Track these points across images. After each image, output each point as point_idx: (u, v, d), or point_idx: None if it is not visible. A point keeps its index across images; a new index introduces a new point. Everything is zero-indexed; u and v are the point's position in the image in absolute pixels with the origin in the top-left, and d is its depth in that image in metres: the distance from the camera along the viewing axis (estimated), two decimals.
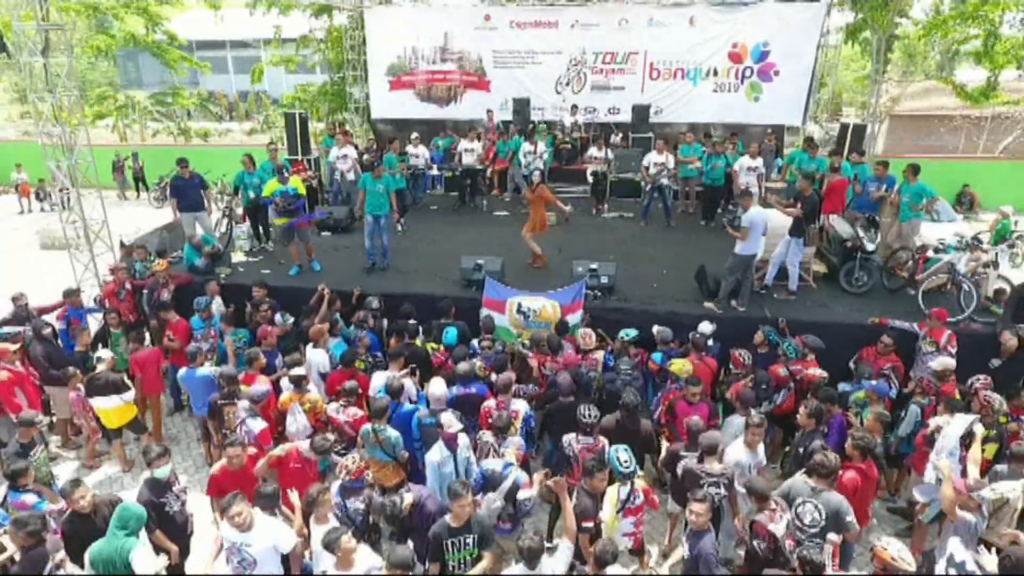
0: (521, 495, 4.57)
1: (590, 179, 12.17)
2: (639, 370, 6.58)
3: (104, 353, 6.57)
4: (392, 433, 5.24)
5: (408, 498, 4.46)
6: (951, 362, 6.11)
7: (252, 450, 5.12)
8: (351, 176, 11.49)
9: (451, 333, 6.72)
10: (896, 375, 6.52)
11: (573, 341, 6.72)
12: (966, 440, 5.08)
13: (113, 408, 6.34)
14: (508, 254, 8.73)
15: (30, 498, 4.69)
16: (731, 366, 6.50)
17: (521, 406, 5.53)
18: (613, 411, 5.42)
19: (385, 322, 7.52)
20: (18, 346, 6.56)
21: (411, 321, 6.92)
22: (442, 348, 6.70)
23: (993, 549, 4.27)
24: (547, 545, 4.44)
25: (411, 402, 5.79)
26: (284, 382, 6.05)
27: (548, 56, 14.90)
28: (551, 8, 14.66)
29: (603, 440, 5.01)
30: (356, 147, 12.65)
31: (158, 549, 4.67)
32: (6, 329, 7.07)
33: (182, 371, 6.56)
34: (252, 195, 9.22)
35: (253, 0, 16.40)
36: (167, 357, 7.38)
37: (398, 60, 15.66)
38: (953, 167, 18.90)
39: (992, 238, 11.93)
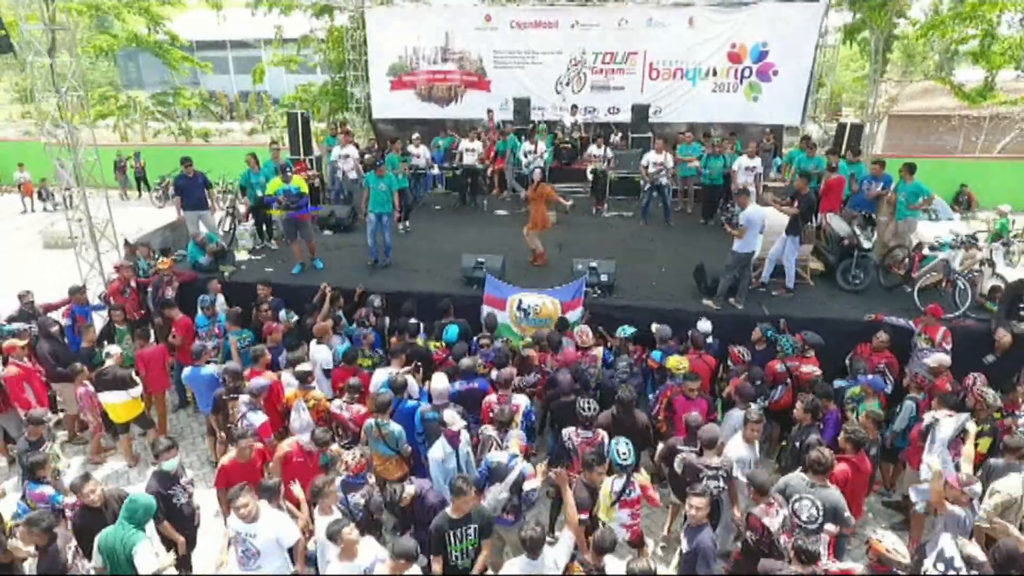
0: (527, 486, 4.66)
1: (590, 178, 12.26)
2: (638, 367, 6.68)
3: (113, 348, 6.66)
4: (395, 427, 5.33)
5: (410, 489, 4.55)
6: (946, 358, 6.20)
7: (259, 444, 5.21)
8: (353, 175, 11.59)
9: (452, 331, 6.81)
10: (891, 371, 6.61)
11: (574, 337, 6.82)
12: (960, 435, 5.16)
13: (121, 403, 6.42)
14: (509, 252, 8.81)
15: (48, 490, 4.76)
16: (730, 362, 6.59)
17: (522, 401, 5.62)
18: (611, 407, 5.50)
19: (387, 320, 7.61)
20: (25, 342, 6.64)
21: (412, 320, 7.02)
22: (443, 346, 6.79)
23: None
24: (548, 539, 4.52)
25: (412, 399, 5.87)
26: (285, 377, 6.14)
27: (548, 56, 15.00)
28: (551, 8, 14.75)
29: (602, 433, 5.10)
30: (357, 146, 12.74)
31: (166, 540, 4.79)
32: (13, 326, 7.16)
33: (187, 370, 6.62)
34: (259, 194, 9.32)
35: (254, 0, 16.46)
36: (172, 354, 7.47)
37: (399, 60, 15.75)
38: (951, 167, 19.00)
39: (989, 237, 12.04)
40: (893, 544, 3.89)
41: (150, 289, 8.20)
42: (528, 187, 9.23)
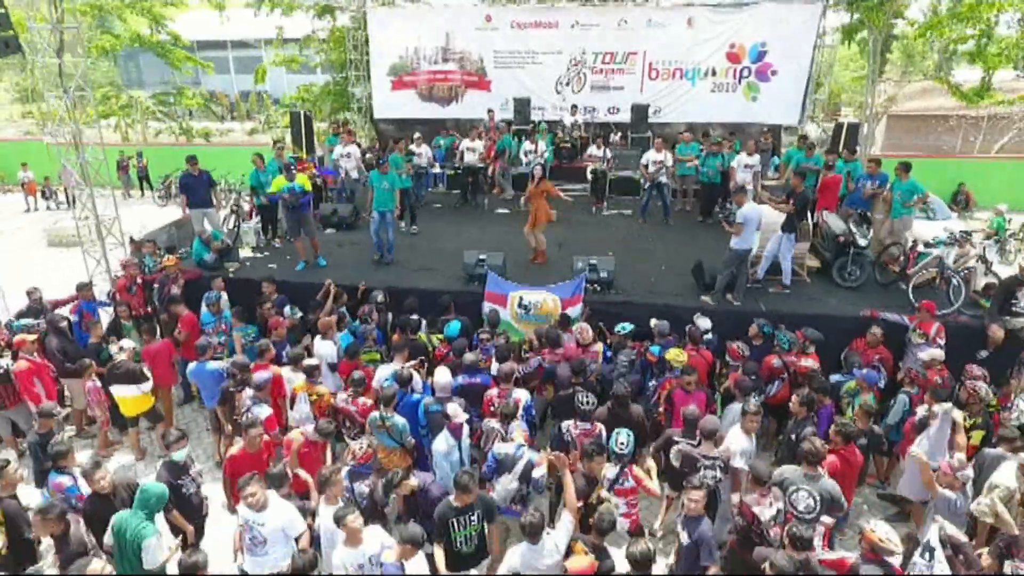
0: (535, 473, 4.78)
1: (590, 177, 12.37)
2: (638, 362, 6.79)
3: (126, 343, 6.77)
4: (399, 420, 5.44)
5: (412, 482, 4.66)
6: (940, 353, 6.33)
7: (267, 436, 5.32)
8: (355, 174, 11.71)
9: (453, 327, 6.92)
10: (885, 366, 6.73)
11: (574, 334, 6.93)
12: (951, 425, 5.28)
13: (131, 397, 6.54)
14: (509, 250, 8.93)
15: (66, 480, 4.87)
16: (729, 358, 6.70)
17: (522, 395, 5.73)
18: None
19: (390, 316, 7.72)
20: (35, 337, 6.75)
21: (413, 316, 7.14)
22: (444, 341, 6.90)
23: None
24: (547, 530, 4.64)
25: (416, 392, 5.98)
26: (285, 373, 6.24)
27: (548, 56, 15.10)
28: (551, 9, 14.85)
29: (600, 425, 5.22)
30: (359, 146, 12.86)
31: (174, 529, 4.91)
32: (22, 322, 7.29)
33: (192, 365, 6.71)
34: (267, 191, 9.45)
35: (257, 1, 16.56)
36: (177, 349, 7.58)
37: (400, 60, 15.86)
38: (950, 166, 19.13)
39: (984, 235, 12.19)
40: (886, 534, 4.00)
41: (156, 286, 8.32)
42: (527, 186, 9.29)
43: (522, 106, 14.40)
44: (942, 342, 6.65)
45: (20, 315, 7.58)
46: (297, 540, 4.47)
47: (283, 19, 17.58)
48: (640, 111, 13.98)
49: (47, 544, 4.68)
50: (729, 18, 14.10)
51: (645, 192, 11.33)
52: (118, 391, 6.54)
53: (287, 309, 7.43)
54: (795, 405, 5.61)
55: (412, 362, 6.21)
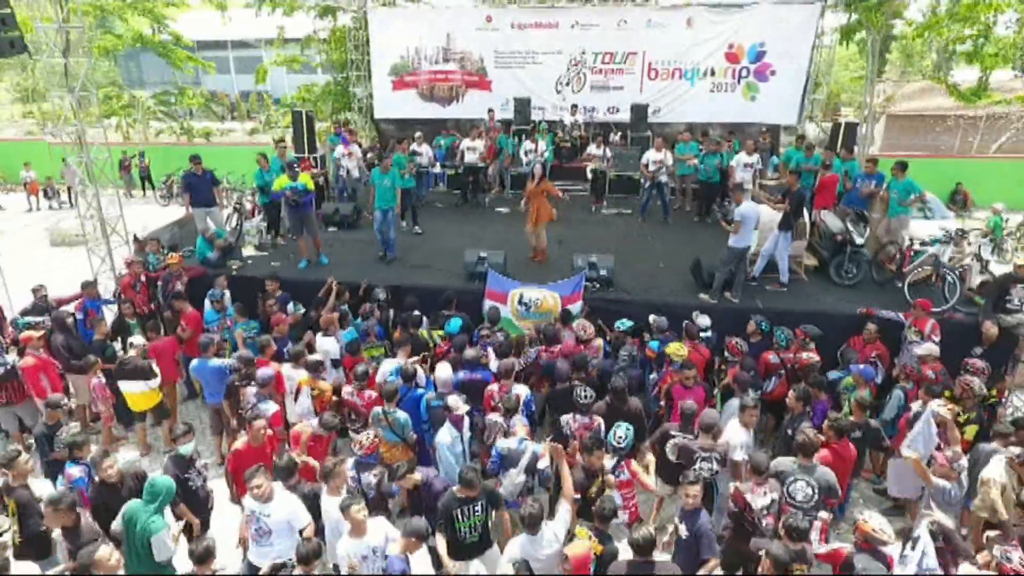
0: (540, 464, 4.87)
1: (589, 177, 12.45)
2: (639, 357, 6.88)
3: (137, 339, 6.86)
4: (401, 415, 5.53)
5: (416, 476, 4.75)
6: (935, 348, 6.41)
7: (271, 431, 5.41)
8: (356, 173, 11.80)
9: (455, 323, 7.01)
10: (882, 362, 6.83)
11: (575, 330, 7.01)
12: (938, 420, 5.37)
13: (140, 393, 6.63)
14: (510, 248, 9.02)
15: (76, 471, 4.95)
16: (727, 354, 6.78)
17: (522, 390, 5.82)
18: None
19: (391, 313, 7.81)
20: (41, 334, 6.84)
21: (415, 312, 7.23)
22: (446, 337, 6.99)
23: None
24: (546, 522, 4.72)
25: (420, 387, 6.07)
26: (286, 369, 6.31)
27: (548, 56, 15.16)
28: (551, 9, 14.93)
29: (598, 419, 5.31)
30: (360, 145, 12.94)
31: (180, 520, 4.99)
32: (28, 319, 7.38)
33: (194, 362, 6.77)
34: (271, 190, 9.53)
35: (258, 1, 16.62)
36: (182, 346, 7.65)
37: (401, 60, 15.93)
38: (948, 166, 19.23)
39: (981, 234, 12.28)
40: (879, 525, 4.10)
41: (160, 283, 8.40)
42: (526, 185, 9.35)
43: (522, 106, 14.47)
44: (937, 339, 6.73)
45: (25, 312, 7.68)
46: (301, 532, 4.57)
47: (284, 19, 17.65)
48: (639, 111, 14.06)
49: (55, 535, 4.75)
50: (728, 18, 14.17)
51: (645, 191, 11.41)
52: (127, 387, 6.63)
53: (290, 306, 7.52)
54: (791, 400, 5.69)
55: (415, 357, 6.30)
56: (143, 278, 8.47)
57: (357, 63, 16.35)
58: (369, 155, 12.79)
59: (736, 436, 5.24)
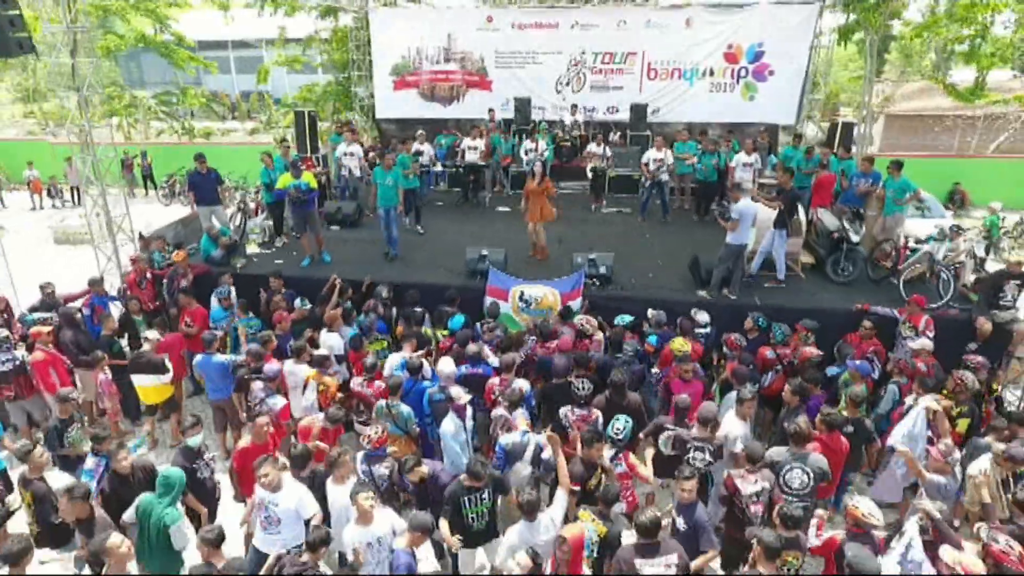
0: (544, 455, 4.98)
1: (589, 176, 12.55)
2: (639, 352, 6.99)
3: (151, 334, 6.95)
4: (404, 409, 5.65)
5: (423, 469, 4.86)
6: (928, 343, 6.52)
7: (280, 423, 5.53)
8: (357, 172, 11.91)
9: (457, 320, 7.12)
10: (879, 358, 6.93)
11: (574, 327, 7.13)
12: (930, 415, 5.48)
13: (152, 386, 6.75)
14: (510, 246, 9.13)
15: (90, 462, 5.07)
16: (726, 349, 6.89)
17: (524, 384, 5.93)
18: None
19: (394, 310, 7.92)
20: (50, 329, 6.95)
21: (417, 308, 7.34)
22: (448, 334, 7.10)
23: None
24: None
25: (426, 380, 6.19)
26: (288, 365, 6.42)
27: (549, 56, 15.27)
28: (552, 10, 15.03)
29: (596, 412, 5.42)
30: (362, 144, 13.05)
31: (189, 512, 5.10)
32: (36, 315, 7.49)
33: (198, 357, 6.86)
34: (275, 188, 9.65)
35: (260, 1, 16.73)
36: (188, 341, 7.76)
37: (402, 60, 16.04)
38: (946, 165, 19.31)
39: (980, 233, 12.40)
40: (868, 510, 4.20)
41: (165, 281, 8.52)
42: (525, 184, 9.45)
43: (523, 106, 14.59)
44: (931, 335, 6.84)
45: (33, 309, 7.79)
46: (309, 521, 4.67)
47: (285, 20, 17.75)
48: (639, 110, 14.17)
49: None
50: (727, 19, 14.27)
51: (645, 190, 11.53)
52: (140, 380, 6.76)
53: (296, 301, 7.63)
54: (787, 394, 5.81)
55: (421, 351, 6.42)
56: (148, 275, 8.59)
57: (358, 63, 16.46)
58: (371, 154, 12.91)
59: (734, 428, 5.35)
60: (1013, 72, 23.83)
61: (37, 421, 6.96)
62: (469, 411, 5.39)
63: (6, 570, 3.85)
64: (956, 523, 5.33)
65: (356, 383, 6.04)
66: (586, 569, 3.99)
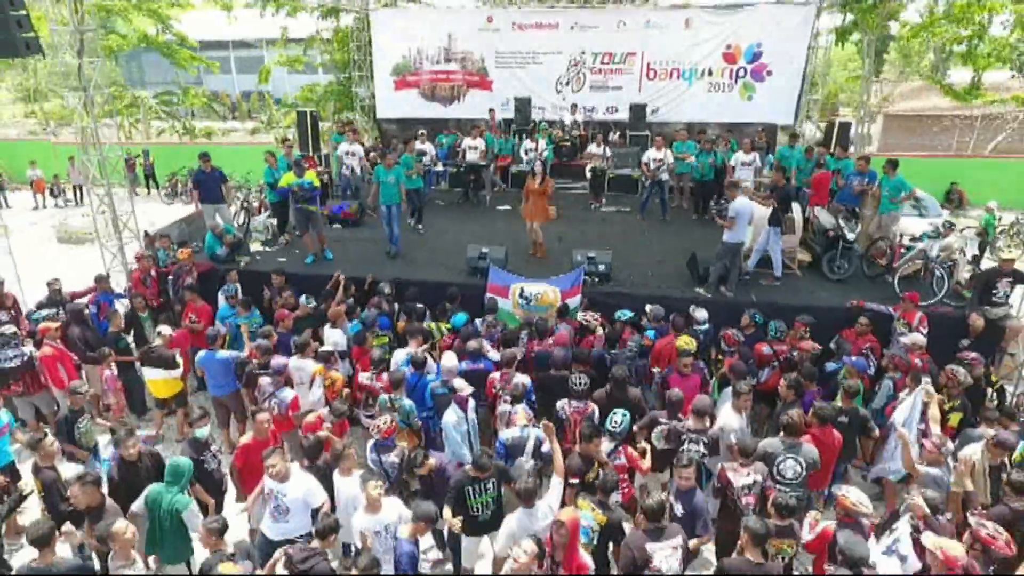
0: (544, 448, 5.09)
1: (589, 175, 12.67)
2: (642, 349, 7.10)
3: (164, 329, 7.05)
4: (407, 402, 5.76)
5: (431, 461, 4.97)
6: (920, 338, 6.63)
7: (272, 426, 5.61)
8: (358, 171, 12.02)
9: (460, 318, 7.23)
10: (874, 354, 7.04)
11: (573, 324, 7.27)
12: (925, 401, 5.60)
13: (162, 380, 6.86)
14: (511, 244, 9.25)
15: (108, 451, 5.21)
16: (724, 344, 7.00)
17: (525, 379, 6.04)
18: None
19: (396, 306, 8.03)
20: (58, 324, 7.06)
21: (419, 305, 7.46)
22: (449, 331, 7.21)
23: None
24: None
25: (430, 374, 6.30)
26: (295, 361, 6.52)
27: (548, 56, 15.39)
28: (551, 10, 15.15)
29: (593, 405, 5.53)
30: (363, 144, 13.17)
31: (196, 502, 5.21)
32: (43, 312, 7.60)
33: (201, 353, 6.91)
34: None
35: (262, 2, 16.83)
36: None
37: (403, 60, 16.16)
38: (944, 165, 19.41)
39: (976, 232, 12.52)
40: (857, 498, 4.32)
41: (171, 278, 8.63)
42: (525, 183, 9.55)
43: (523, 105, 14.70)
44: (925, 331, 6.94)
45: (40, 306, 7.90)
46: (318, 510, 4.78)
47: (287, 20, 17.85)
48: (638, 110, 14.30)
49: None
50: (726, 19, 14.39)
51: (645, 189, 11.65)
52: (151, 374, 6.87)
53: (302, 299, 7.72)
54: (783, 388, 5.92)
55: (424, 347, 6.54)
56: (152, 273, 8.70)
57: (359, 63, 16.56)
58: (371, 154, 13.01)
59: (729, 421, 5.46)
60: (1011, 72, 23.95)
61: (45, 416, 7.08)
62: (472, 403, 5.51)
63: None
64: (948, 515, 5.44)
65: (365, 377, 6.16)
66: (585, 555, 4.10)
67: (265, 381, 6.11)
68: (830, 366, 6.77)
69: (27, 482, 5.27)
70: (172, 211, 16.62)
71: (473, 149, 12.44)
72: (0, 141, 24.40)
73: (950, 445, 5.24)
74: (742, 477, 4.70)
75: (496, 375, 6.05)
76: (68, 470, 5.07)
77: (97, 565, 4.68)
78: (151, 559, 4.99)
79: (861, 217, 8.81)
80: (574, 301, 7.74)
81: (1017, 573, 4.19)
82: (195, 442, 5.23)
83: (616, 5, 14.98)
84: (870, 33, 13.34)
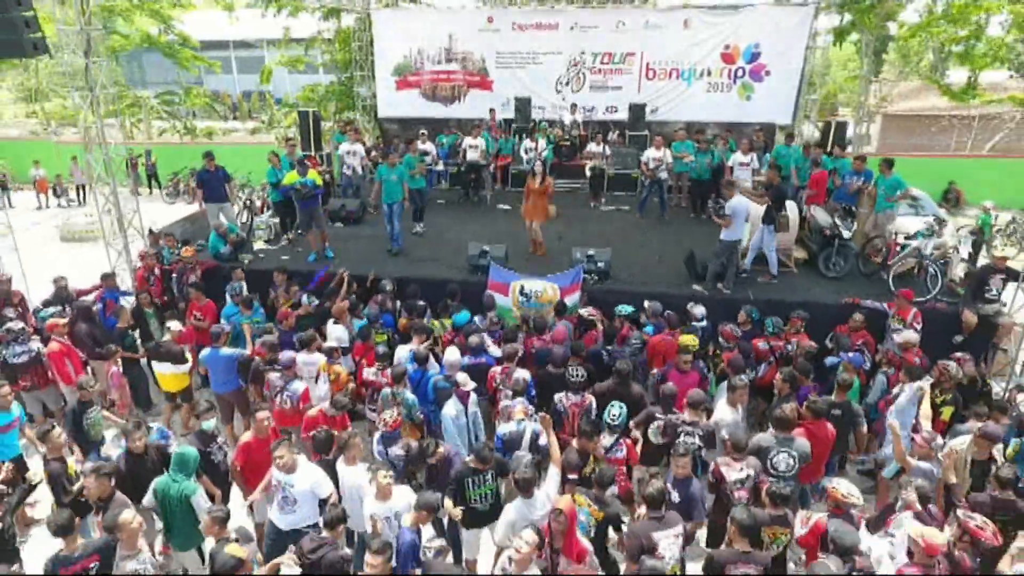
0: (541, 441, 5.21)
1: (588, 174, 12.77)
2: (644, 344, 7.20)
3: (174, 324, 7.15)
4: (409, 396, 5.88)
5: (443, 449, 5.08)
6: (913, 335, 6.72)
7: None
8: (360, 171, 12.13)
9: (462, 316, 7.33)
10: (868, 349, 7.15)
11: (571, 320, 7.37)
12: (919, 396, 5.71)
13: (171, 374, 6.96)
14: (511, 242, 9.36)
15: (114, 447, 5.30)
16: (722, 340, 7.10)
17: (525, 374, 6.15)
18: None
19: (397, 303, 8.14)
20: (65, 321, 7.17)
21: (420, 302, 7.57)
22: (450, 328, 7.32)
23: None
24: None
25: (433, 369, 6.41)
26: (301, 356, 6.62)
27: (548, 57, 15.51)
28: (551, 11, 15.27)
29: (590, 398, 5.63)
30: (364, 144, 13.28)
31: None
32: (50, 309, 7.71)
33: (205, 351, 7.00)
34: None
35: (264, 2, 16.96)
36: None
37: (404, 60, 16.27)
38: (942, 165, 19.51)
39: (971, 231, 12.63)
40: (848, 490, 4.43)
41: (175, 276, 8.74)
42: (525, 183, 9.65)
43: (523, 105, 14.82)
44: (919, 327, 7.05)
45: (47, 303, 8.01)
46: (323, 502, 4.89)
47: (289, 20, 17.97)
48: (637, 110, 14.42)
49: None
50: (724, 20, 14.50)
51: (644, 188, 11.75)
52: (160, 368, 6.98)
53: (304, 298, 7.83)
54: (779, 383, 6.02)
55: (427, 343, 6.66)
56: (157, 271, 8.81)
57: (361, 63, 16.68)
58: (373, 153, 13.13)
59: (725, 415, 5.57)
60: (1009, 72, 24.06)
61: (52, 411, 7.19)
62: (473, 397, 5.62)
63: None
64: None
65: (370, 372, 6.27)
66: (584, 540, 4.20)
67: (274, 376, 6.21)
68: (830, 360, 6.87)
69: (35, 473, 5.37)
70: (174, 211, 16.71)
71: (473, 148, 12.53)
72: (3, 141, 24.47)
73: (940, 440, 5.35)
74: (735, 472, 4.80)
75: (497, 369, 6.16)
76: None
77: None
78: (158, 547, 5.11)
79: (857, 215, 8.91)
80: (573, 298, 7.84)
81: (1001, 563, 4.29)
82: (202, 434, 5.34)
83: (615, 6, 15.10)
84: (868, 33, 13.45)
